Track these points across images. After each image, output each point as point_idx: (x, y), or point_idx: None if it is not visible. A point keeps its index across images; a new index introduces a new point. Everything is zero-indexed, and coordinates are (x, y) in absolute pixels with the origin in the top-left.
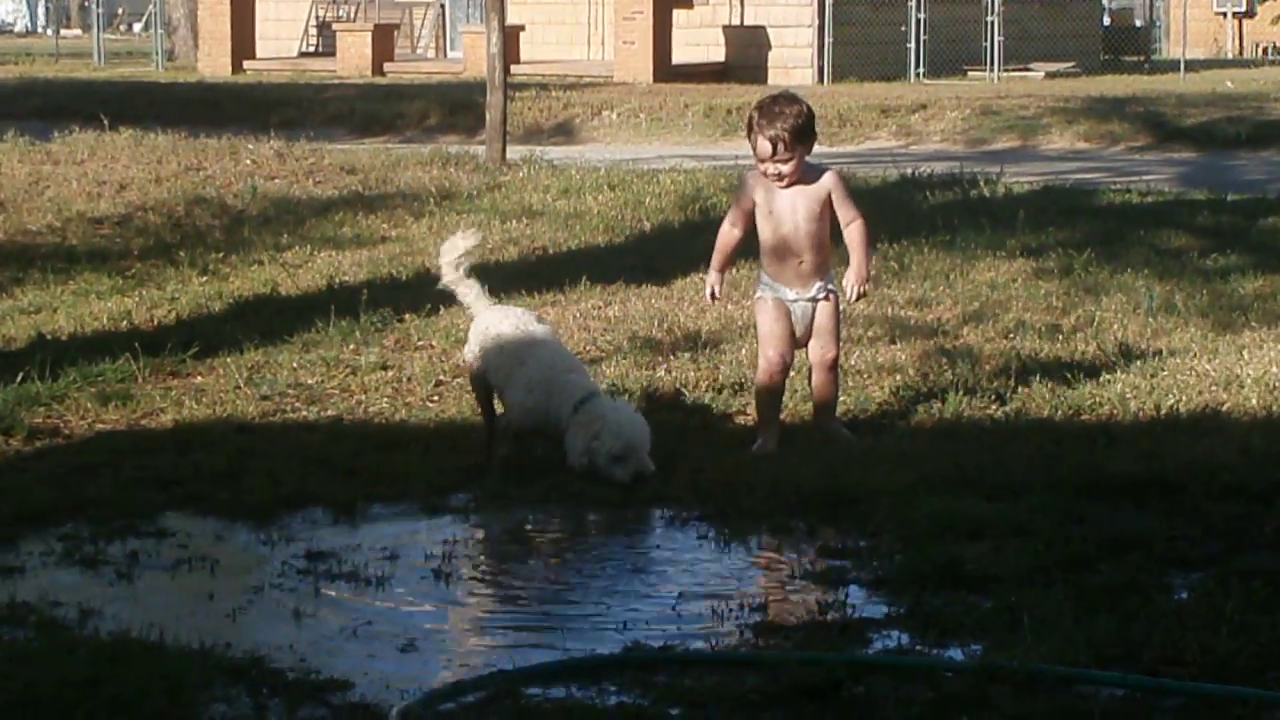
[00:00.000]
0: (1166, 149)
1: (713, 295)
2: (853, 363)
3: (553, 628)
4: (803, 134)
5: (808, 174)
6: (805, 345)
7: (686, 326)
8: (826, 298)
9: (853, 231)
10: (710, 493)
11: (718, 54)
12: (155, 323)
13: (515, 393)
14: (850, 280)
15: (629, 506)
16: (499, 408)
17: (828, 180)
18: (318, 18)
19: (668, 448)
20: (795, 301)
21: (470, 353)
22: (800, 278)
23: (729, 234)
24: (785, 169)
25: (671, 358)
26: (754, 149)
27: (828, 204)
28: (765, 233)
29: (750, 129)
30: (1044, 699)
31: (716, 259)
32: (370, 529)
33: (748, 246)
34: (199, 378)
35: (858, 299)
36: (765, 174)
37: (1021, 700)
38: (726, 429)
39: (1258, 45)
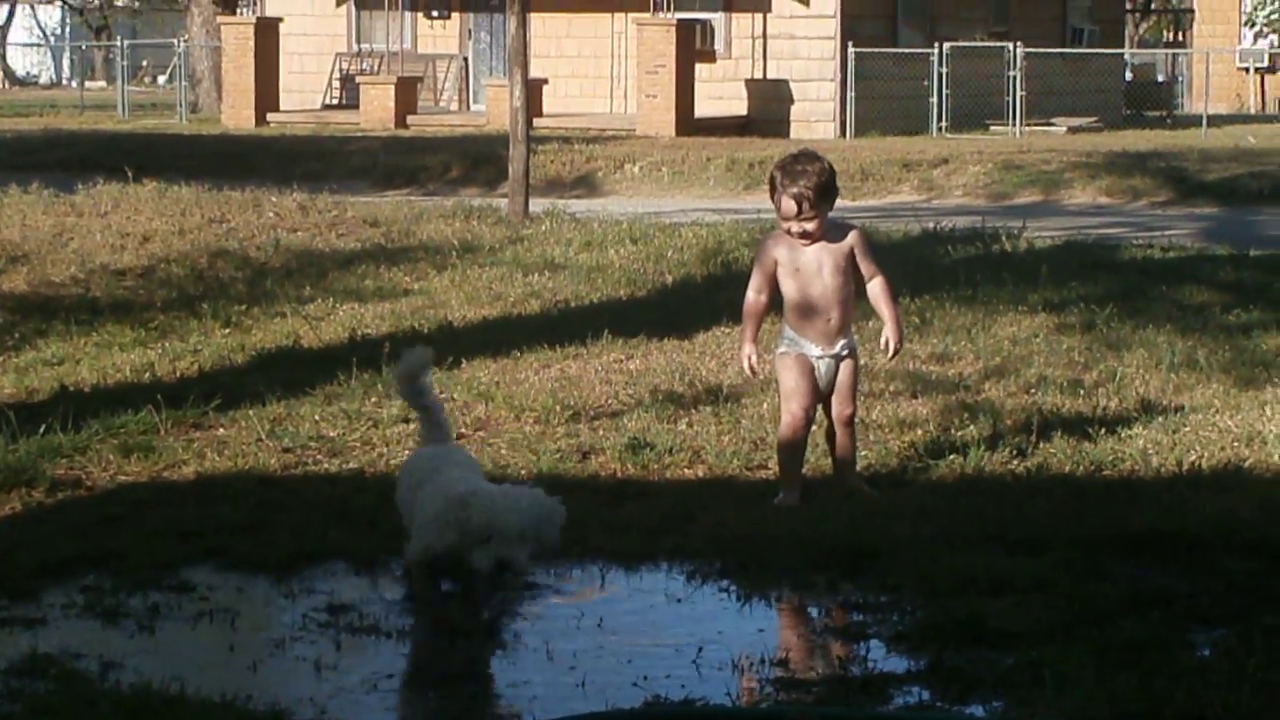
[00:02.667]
0: (1189, 204)
1: (752, 370)
2: (874, 417)
3: (573, 681)
4: (826, 191)
5: (830, 231)
6: (824, 401)
7: (708, 380)
8: (850, 355)
9: (876, 287)
10: (731, 546)
11: (740, 107)
12: (178, 374)
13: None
14: (889, 336)
15: (649, 560)
16: None
17: (851, 237)
18: (341, 70)
19: (688, 502)
20: (820, 358)
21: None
22: (826, 335)
23: (756, 302)
24: (810, 227)
25: (693, 411)
26: (778, 209)
27: (851, 260)
28: (790, 291)
29: (773, 188)
30: None
31: (748, 330)
32: (391, 582)
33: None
34: (221, 430)
35: (894, 356)
36: (790, 232)
37: None
38: (747, 483)
39: None
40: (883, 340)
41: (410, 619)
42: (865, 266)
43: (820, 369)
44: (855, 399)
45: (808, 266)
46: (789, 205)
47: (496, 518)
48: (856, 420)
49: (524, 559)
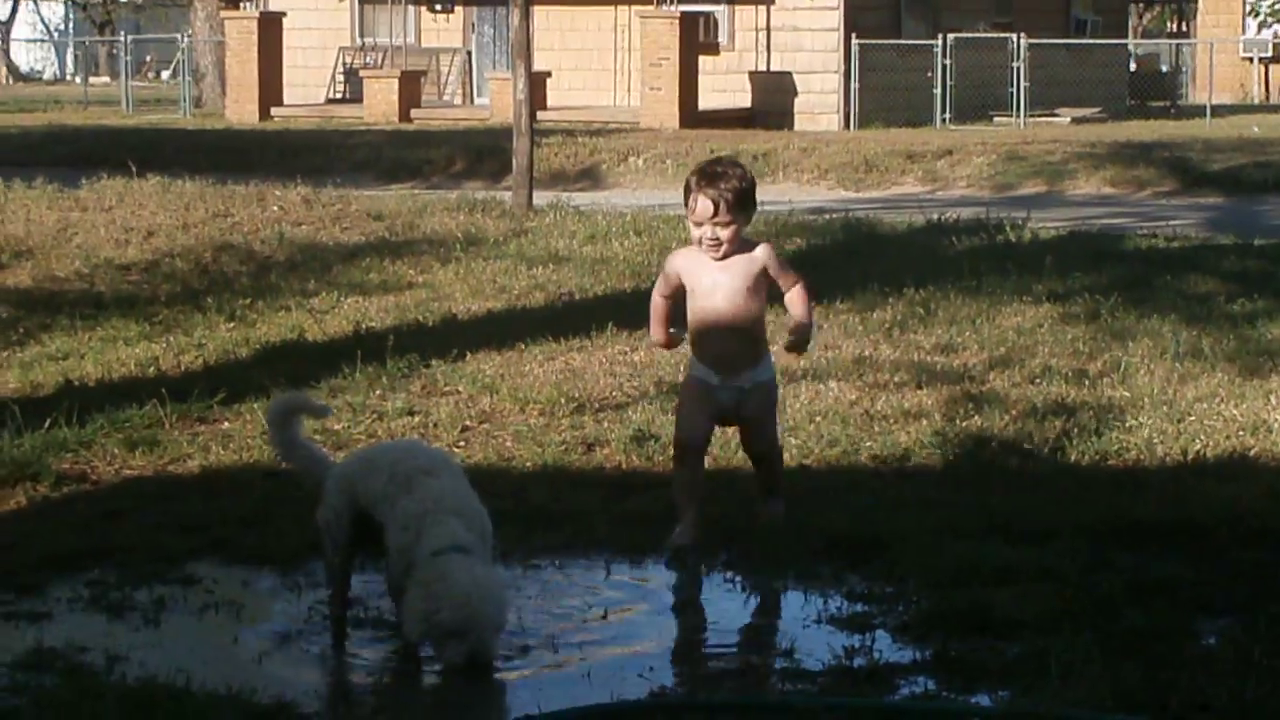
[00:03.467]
0: (1193, 194)
1: (670, 344)
2: (879, 408)
3: (579, 673)
4: (744, 200)
5: (742, 250)
6: (731, 424)
7: None
8: (760, 387)
9: (794, 294)
10: (735, 537)
11: (744, 100)
12: (182, 369)
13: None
14: (796, 319)
15: (654, 552)
16: None
17: (761, 253)
18: (345, 64)
19: None
20: (720, 388)
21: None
22: (728, 363)
23: (660, 303)
24: (724, 234)
25: None
26: (692, 211)
27: (763, 279)
28: (691, 310)
29: (688, 190)
30: None
31: (656, 326)
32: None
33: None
34: (226, 423)
35: (790, 349)
36: (702, 242)
37: None
38: (752, 474)
39: None
40: (787, 321)
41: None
42: (783, 279)
43: (721, 398)
44: (771, 435)
45: (712, 285)
46: (705, 206)
47: (473, 615)
48: (779, 454)
49: (496, 649)
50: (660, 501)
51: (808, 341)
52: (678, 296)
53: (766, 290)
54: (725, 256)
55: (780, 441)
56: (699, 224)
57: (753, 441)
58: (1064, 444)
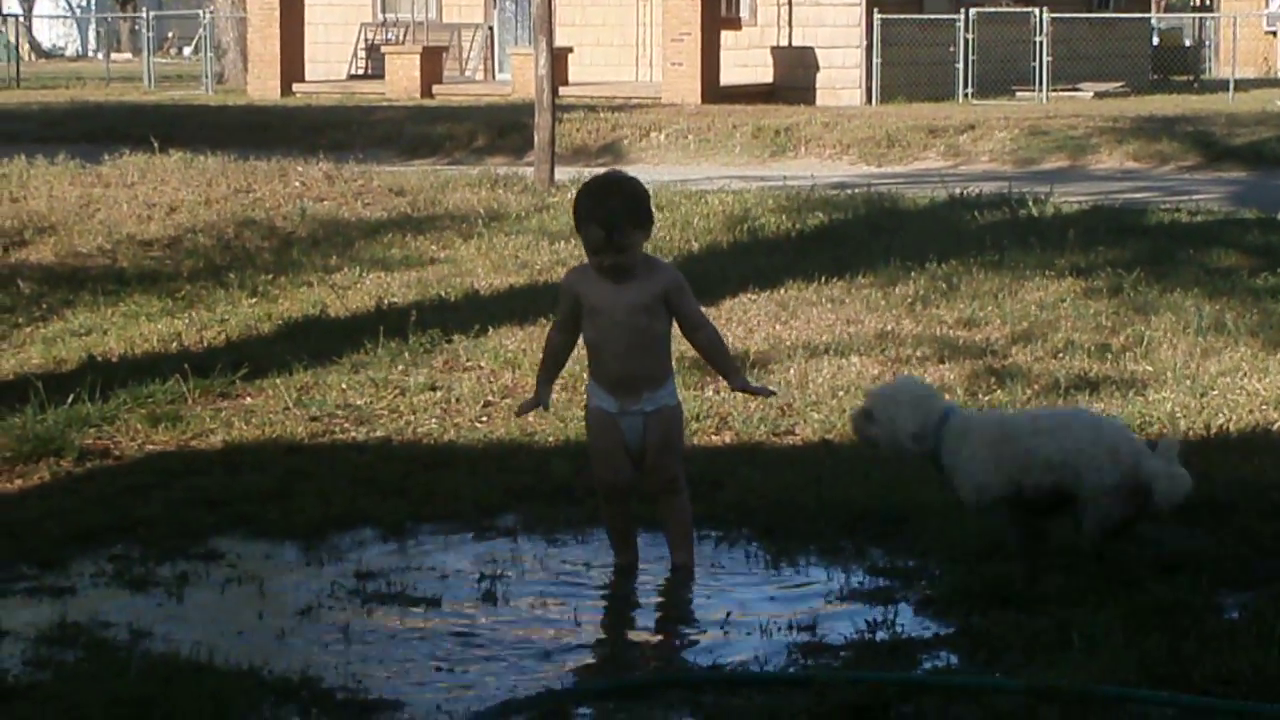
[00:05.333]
0: (1216, 168)
1: (544, 406)
2: None
3: (601, 648)
4: (639, 217)
5: (644, 268)
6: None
7: (735, 347)
8: (661, 411)
9: (702, 340)
10: (758, 513)
11: (766, 75)
12: (205, 344)
13: None
14: (737, 387)
15: None
16: None
17: (667, 278)
18: (366, 40)
19: (716, 469)
20: (622, 415)
21: None
22: (627, 388)
23: (554, 340)
24: (623, 259)
25: (720, 378)
26: (585, 239)
27: (664, 305)
28: (587, 334)
29: (578, 216)
30: (1094, 719)
31: (542, 370)
32: (419, 549)
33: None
34: (248, 399)
35: (748, 392)
36: (601, 268)
37: None
38: (775, 449)
39: None
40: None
41: (440, 586)
42: (687, 315)
43: (624, 427)
44: (672, 463)
45: (610, 309)
46: (597, 234)
47: None
48: (682, 496)
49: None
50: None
51: (755, 389)
52: (577, 327)
53: (670, 313)
54: (626, 278)
55: (684, 482)
56: (593, 252)
57: (648, 475)
58: None
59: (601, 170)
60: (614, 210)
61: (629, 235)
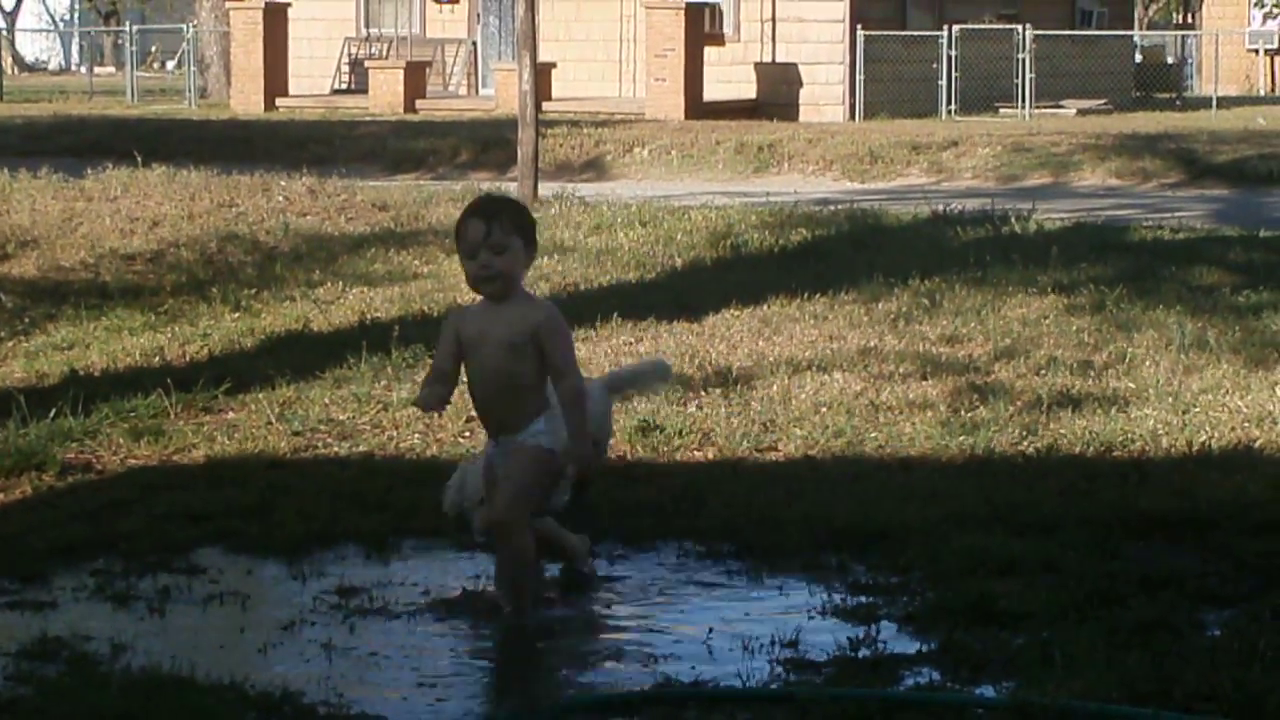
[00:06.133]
0: (1198, 185)
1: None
2: (884, 399)
3: (584, 663)
4: (523, 227)
5: (523, 300)
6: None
7: (718, 363)
8: (516, 449)
9: (561, 391)
10: (741, 528)
11: (749, 91)
12: (187, 359)
13: None
14: (569, 448)
15: (660, 542)
16: None
17: (540, 315)
18: (350, 55)
19: (698, 484)
20: (494, 453)
21: None
22: (495, 423)
23: (434, 370)
24: (499, 262)
25: (703, 394)
26: (462, 239)
27: (534, 344)
28: (467, 367)
29: (459, 224)
30: None
31: (427, 382)
32: (402, 564)
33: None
34: (231, 413)
35: (578, 473)
36: (475, 272)
37: None
38: (757, 464)
39: None
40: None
41: (422, 602)
42: (553, 360)
43: (495, 463)
44: (510, 502)
45: (478, 337)
46: (476, 227)
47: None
48: (511, 538)
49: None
50: (665, 492)
51: (586, 461)
52: (455, 376)
53: (540, 356)
54: (503, 297)
55: (521, 535)
56: (471, 253)
57: (492, 506)
58: (1069, 435)
59: (585, 183)
60: (497, 206)
61: (509, 234)
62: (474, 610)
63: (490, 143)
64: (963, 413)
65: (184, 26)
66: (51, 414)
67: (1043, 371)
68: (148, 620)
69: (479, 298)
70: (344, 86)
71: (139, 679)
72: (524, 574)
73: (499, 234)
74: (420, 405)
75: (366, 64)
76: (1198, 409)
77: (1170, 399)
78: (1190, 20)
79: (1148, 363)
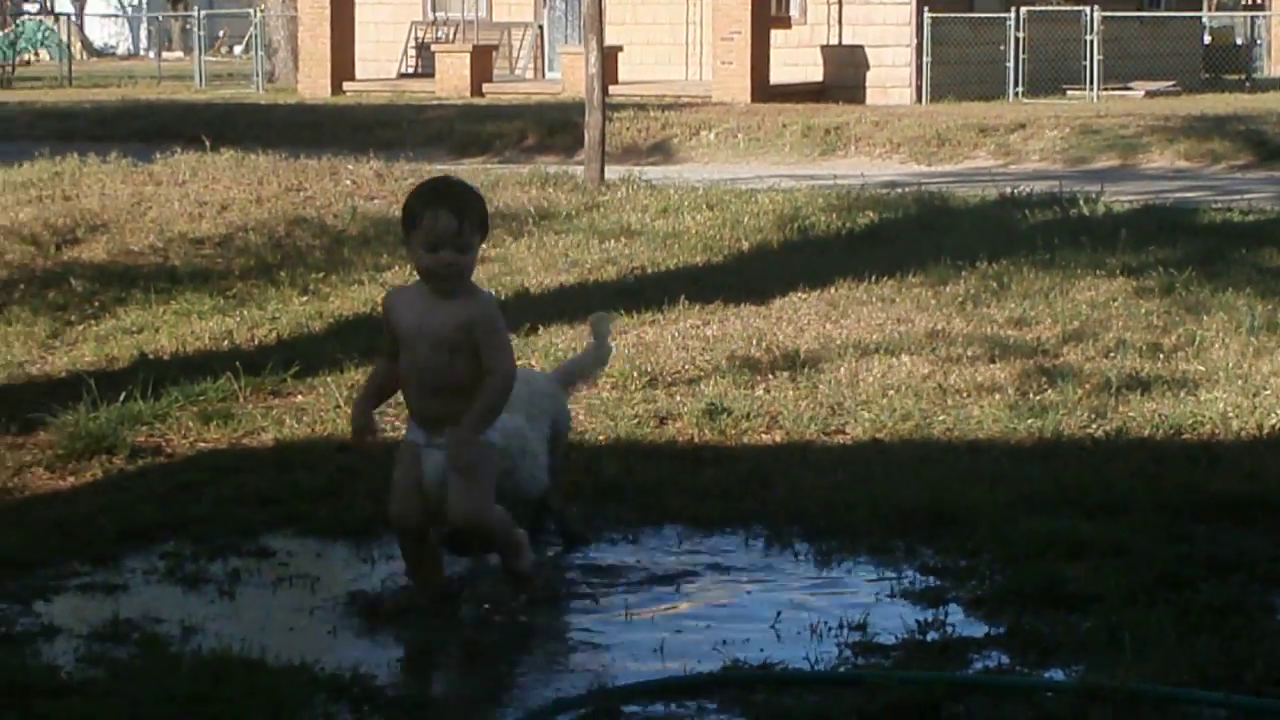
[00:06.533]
0: (1268, 167)
1: (363, 435)
2: (952, 382)
3: (652, 645)
4: (484, 218)
5: (463, 294)
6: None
7: (785, 346)
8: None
9: (485, 385)
10: (808, 512)
11: (816, 74)
12: (256, 342)
13: None
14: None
15: (727, 525)
16: None
17: (478, 308)
18: (417, 39)
19: (765, 468)
20: (426, 447)
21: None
22: (433, 421)
23: (379, 370)
24: (464, 262)
25: (770, 377)
26: (429, 231)
27: (471, 337)
28: (402, 357)
29: (420, 204)
30: (1146, 719)
31: (366, 391)
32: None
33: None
34: (300, 397)
35: (457, 452)
36: (435, 267)
37: None
38: (825, 447)
39: None
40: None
41: (489, 586)
42: (486, 355)
43: (425, 462)
44: (467, 501)
45: (416, 329)
46: (449, 222)
47: None
48: (493, 525)
49: None
50: (733, 475)
51: (465, 454)
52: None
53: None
54: (451, 293)
55: (490, 519)
56: (434, 246)
57: (450, 512)
58: (1138, 418)
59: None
60: (466, 199)
61: (475, 231)
62: (501, 603)
63: (557, 126)
64: (1031, 396)
65: (251, 11)
66: (121, 397)
67: (1111, 354)
68: (218, 603)
69: (405, 284)
70: (411, 70)
71: (209, 661)
72: (522, 551)
73: (468, 231)
74: (358, 439)
75: (433, 48)
76: (1268, 391)
77: (1240, 381)
78: (1259, 1)
79: (1217, 345)
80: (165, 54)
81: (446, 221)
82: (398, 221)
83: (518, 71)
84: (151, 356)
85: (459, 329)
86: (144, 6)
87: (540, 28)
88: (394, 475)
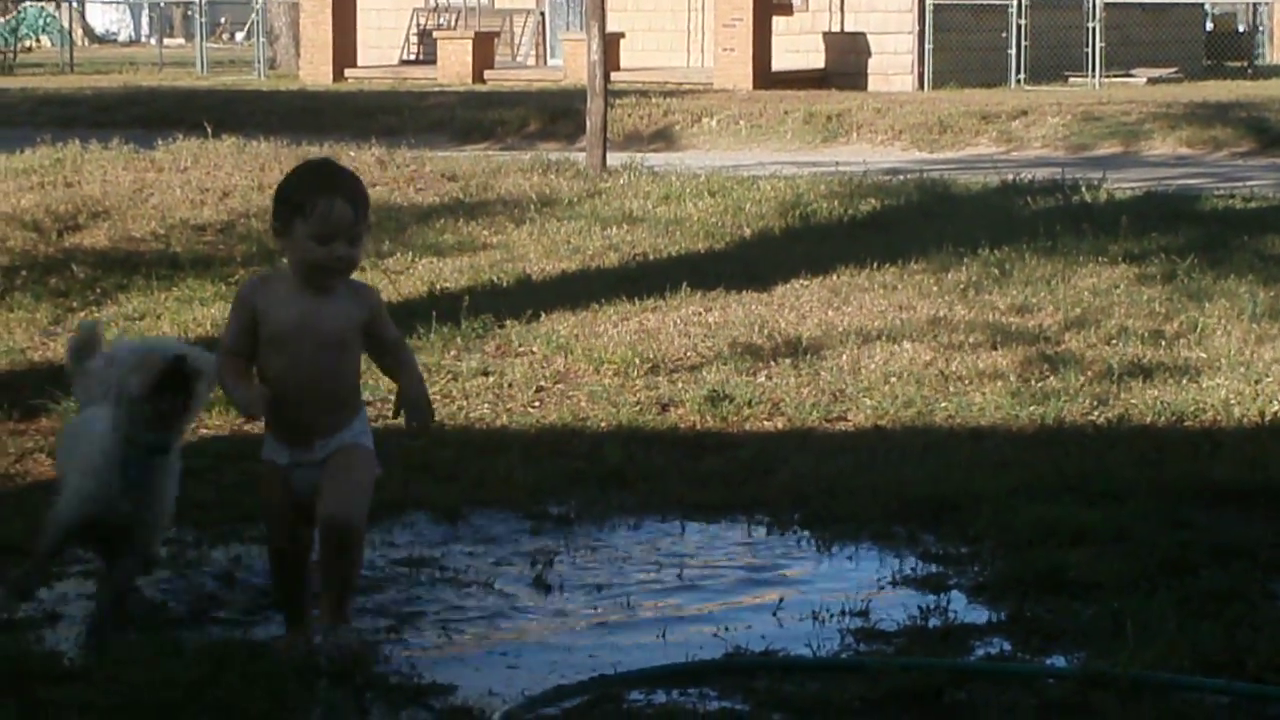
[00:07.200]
0: (1270, 154)
1: (258, 411)
2: (954, 368)
3: (654, 632)
4: (369, 213)
5: (345, 287)
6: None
7: (787, 332)
8: (340, 451)
9: (407, 357)
10: (810, 498)
11: (817, 60)
12: None
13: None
14: (408, 400)
15: (729, 512)
16: None
17: (371, 301)
18: (419, 26)
19: (767, 454)
20: (292, 468)
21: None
22: (302, 432)
23: (235, 363)
24: (356, 254)
25: (772, 364)
26: (325, 219)
27: (363, 334)
28: (267, 369)
29: (312, 194)
30: (1147, 706)
31: (240, 384)
32: (471, 534)
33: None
34: None
35: (419, 429)
36: (327, 261)
37: (1125, 707)
38: (827, 434)
39: None
40: (399, 404)
41: (493, 572)
42: (389, 334)
43: (295, 482)
44: (352, 501)
45: (293, 337)
46: (344, 212)
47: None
48: (363, 537)
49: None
50: (735, 462)
51: (433, 414)
52: (253, 349)
53: (366, 343)
54: (330, 292)
55: (363, 526)
56: (327, 239)
57: (324, 505)
58: (1140, 405)
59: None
60: (358, 189)
61: (365, 221)
62: (326, 648)
63: (559, 113)
64: (1033, 382)
65: None
66: None
67: (1114, 341)
68: (220, 589)
69: (265, 275)
70: (412, 57)
71: (212, 647)
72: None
73: (361, 222)
74: (252, 410)
75: (435, 35)
76: (1270, 379)
77: (1242, 369)
78: None
79: (1219, 332)
80: (167, 40)
81: (342, 211)
82: (398, 209)
83: (519, 58)
84: None
85: (354, 328)
86: None
87: (542, 14)
88: (261, 500)
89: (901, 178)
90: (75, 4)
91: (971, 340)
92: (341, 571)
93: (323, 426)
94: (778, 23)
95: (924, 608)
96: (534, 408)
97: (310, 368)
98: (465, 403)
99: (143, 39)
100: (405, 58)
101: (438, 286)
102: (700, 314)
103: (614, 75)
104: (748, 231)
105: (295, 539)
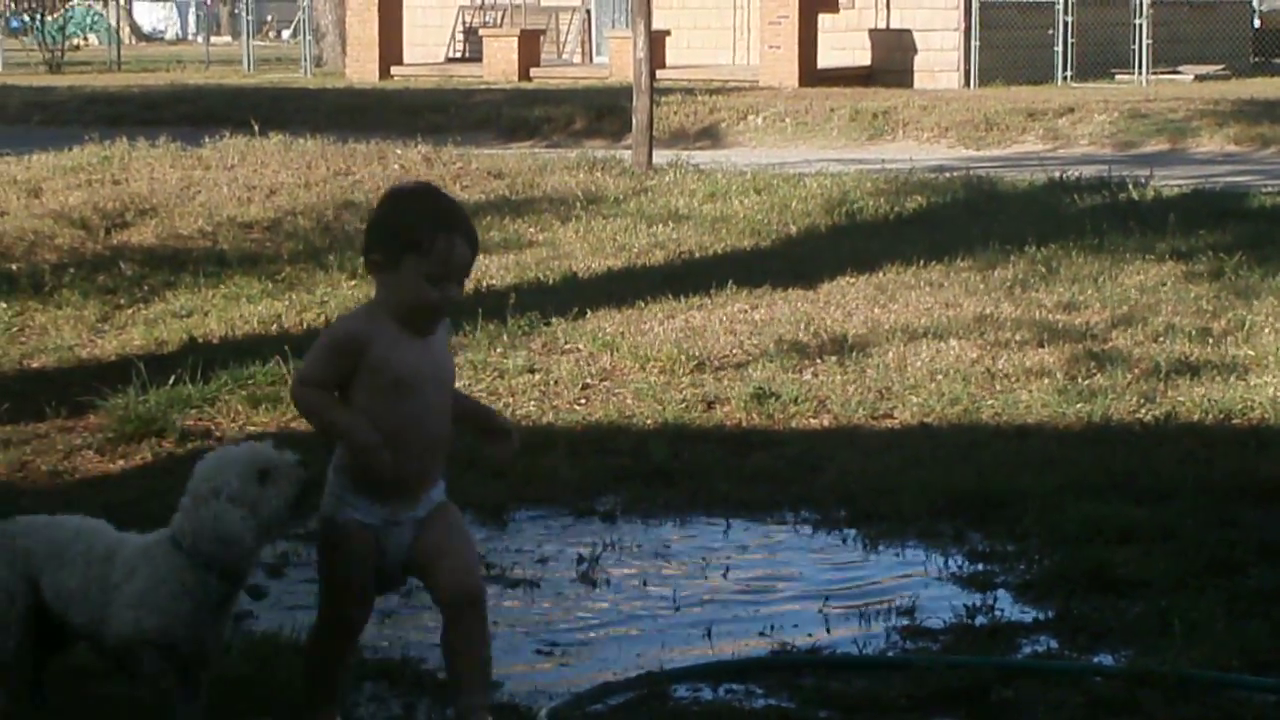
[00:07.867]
0: None
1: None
2: (1000, 366)
3: (700, 630)
4: None
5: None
6: (395, 588)
7: (833, 330)
8: (440, 509)
9: (467, 398)
10: (857, 496)
11: (863, 58)
12: (305, 326)
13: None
14: (494, 426)
15: (775, 509)
16: None
17: (446, 327)
18: (465, 24)
19: (814, 452)
20: (389, 526)
21: None
22: (413, 484)
23: (330, 397)
24: (459, 295)
25: (818, 361)
26: (445, 260)
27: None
28: (386, 420)
29: (432, 229)
30: (1195, 704)
31: (353, 418)
32: (518, 531)
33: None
34: None
35: (504, 458)
36: (440, 303)
37: (1172, 705)
38: (873, 432)
39: None
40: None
41: (538, 569)
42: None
43: (389, 542)
44: (478, 572)
45: (417, 381)
46: (465, 253)
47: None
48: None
49: None
50: (781, 459)
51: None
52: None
53: None
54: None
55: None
56: (441, 279)
57: (457, 573)
58: (1187, 403)
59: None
60: (472, 227)
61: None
62: None
63: (604, 110)
64: (1080, 380)
65: None
66: (171, 381)
67: (1161, 339)
68: (266, 586)
69: (368, 311)
70: (458, 55)
71: (258, 644)
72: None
73: (474, 264)
74: (378, 452)
75: (481, 32)
76: None
77: None
78: None
79: (1267, 330)
80: (213, 39)
81: (463, 253)
82: None
83: (565, 56)
84: (200, 340)
85: (453, 366)
86: None
87: (588, 12)
88: (341, 569)
89: (948, 175)
90: (122, 2)
91: (1018, 338)
92: (484, 650)
93: (433, 477)
94: (823, 20)
95: (970, 605)
96: (580, 405)
97: (438, 414)
98: (511, 400)
99: (189, 37)
100: (451, 55)
101: (484, 284)
102: (746, 311)
103: (659, 73)
104: (793, 229)
105: (368, 608)
